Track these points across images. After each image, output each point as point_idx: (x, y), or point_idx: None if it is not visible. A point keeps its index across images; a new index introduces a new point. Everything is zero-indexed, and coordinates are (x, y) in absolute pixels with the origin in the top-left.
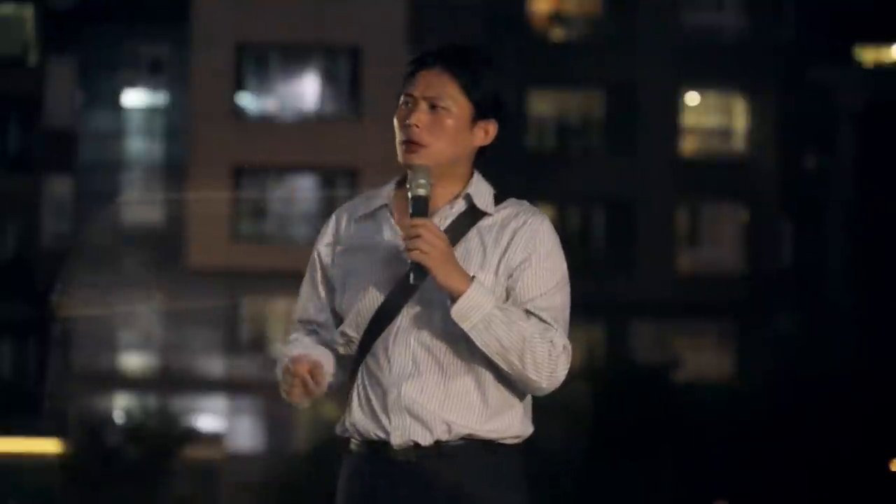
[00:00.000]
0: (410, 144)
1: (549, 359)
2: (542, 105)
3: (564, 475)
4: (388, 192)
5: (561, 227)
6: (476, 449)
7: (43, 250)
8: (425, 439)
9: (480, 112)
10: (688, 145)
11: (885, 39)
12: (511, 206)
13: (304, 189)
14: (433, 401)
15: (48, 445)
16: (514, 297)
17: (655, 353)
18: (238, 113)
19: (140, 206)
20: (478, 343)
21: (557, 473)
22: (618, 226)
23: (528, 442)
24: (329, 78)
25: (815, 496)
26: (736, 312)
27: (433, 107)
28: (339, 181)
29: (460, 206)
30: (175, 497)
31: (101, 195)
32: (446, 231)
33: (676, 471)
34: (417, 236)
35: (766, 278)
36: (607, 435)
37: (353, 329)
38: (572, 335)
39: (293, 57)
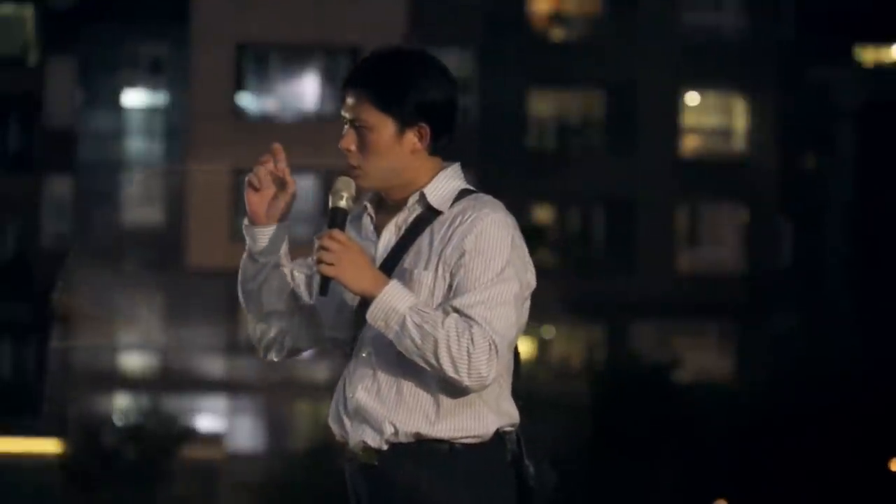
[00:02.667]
0: (349, 168)
1: (469, 357)
2: (542, 105)
3: (564, 474)
4: (371, 194)
5: (561, 227)
6: (431, 449)
7: (43, 250)
8: (374, 441)
9: (403, 122)
10: (688, 145)
11: (885, 39)
12: (464, 202)
13: (304, 189)
14: (385, 404)
15: (48, 445)
16: (452, 294)
17: (656, 352)
18: (238, 113)
19: (140, 205)
20: (397, 345)
21: (557, 472)
22: (618, 226)
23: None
24: (329, 78)
25: (815, 495)
26: (736, 312)
27: (358, 128)
28: None
29: (416, 206)
30: (175, 497)
31: (101, 195)
32: (406, 231)
33: (676, 470)
34: (324, 248)
35: (765, 278)
36: (607, 434)
37: (338, 330)
38: (573, 334)
39: (293, 57)
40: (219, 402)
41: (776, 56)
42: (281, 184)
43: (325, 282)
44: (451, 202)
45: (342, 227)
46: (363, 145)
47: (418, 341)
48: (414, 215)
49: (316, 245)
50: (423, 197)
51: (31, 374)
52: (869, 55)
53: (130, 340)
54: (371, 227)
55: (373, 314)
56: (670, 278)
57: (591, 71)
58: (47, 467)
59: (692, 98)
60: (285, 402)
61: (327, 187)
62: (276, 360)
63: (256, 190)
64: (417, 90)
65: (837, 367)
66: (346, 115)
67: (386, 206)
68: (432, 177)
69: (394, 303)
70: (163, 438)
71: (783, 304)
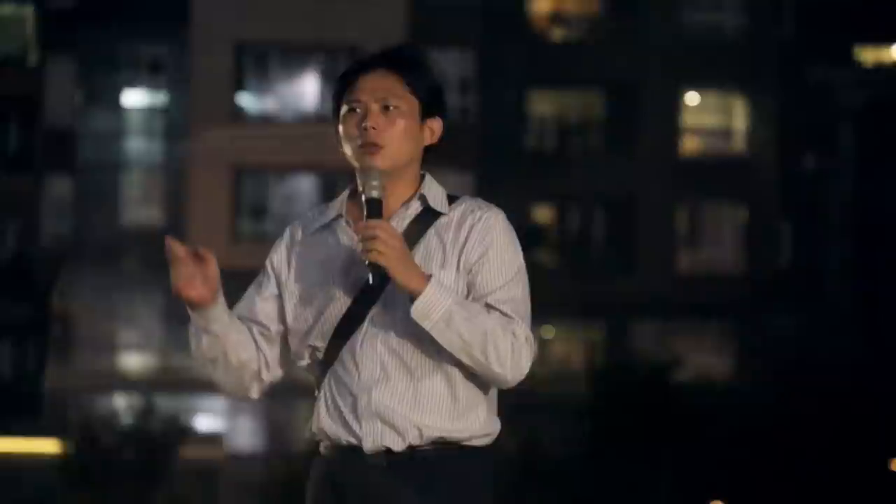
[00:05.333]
0: (369, 146)
1: (513, 351)
2: (542, 105)
3: (564, 474)
4: (341, 202)
5: (561, 227)
6: (446, 453)
7: (43, 250)
8: (397, 445)
9: (427, 109)
10: (688, 145)
11: (885, 39)
12: (465, 204)
13: (304, 189)
14: (404, 404)
15: (48, 445)
16: (475, 292)
17: (656, 352)
18: (238, 113)
19: (140, 205)
20: (440, 341)
21: (557, 473)
22: (618, 226)
23: (528, 441)
24: (329, 78)
25: (815, 495)
26: (736, 312)
27: (386, 108)
28: (339, 181)
29: (416, 207)
30: (174, 497)
31: (101, 195)
32: (404, 233)
33: (676, 470)
34: (374, 237)
35: (765, 278)
36: (607, 434)
37: (319, 338)
38: (572, 334)
39: (293, 57)
40: (219, 402)
41: (776, 56)
42: (197, 258)
43: (378, 269)
44: (447, 204)
45: (380, 216)
46: (390, 126)
47: (466, 336)
48: (409, 219)
49: (361, 234)
50: (423, 199)
51: (31, 374)
52: (869, 55)
53: (130, 340)
54: (349, 233)
55: (417, 310)
56: (670, 278)
57: (591, 71)
58: (47, 467)
59: (692, 98)
60: (285, 402)
61: (327, 187)
62: (255, 398)
63: (187, 284)
64: (439, 84)
65: (837, 367)
66: (372, 96)
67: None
68: (420, 182)
69: (441, 298)
70: (163, 438)
71: (783, 304)
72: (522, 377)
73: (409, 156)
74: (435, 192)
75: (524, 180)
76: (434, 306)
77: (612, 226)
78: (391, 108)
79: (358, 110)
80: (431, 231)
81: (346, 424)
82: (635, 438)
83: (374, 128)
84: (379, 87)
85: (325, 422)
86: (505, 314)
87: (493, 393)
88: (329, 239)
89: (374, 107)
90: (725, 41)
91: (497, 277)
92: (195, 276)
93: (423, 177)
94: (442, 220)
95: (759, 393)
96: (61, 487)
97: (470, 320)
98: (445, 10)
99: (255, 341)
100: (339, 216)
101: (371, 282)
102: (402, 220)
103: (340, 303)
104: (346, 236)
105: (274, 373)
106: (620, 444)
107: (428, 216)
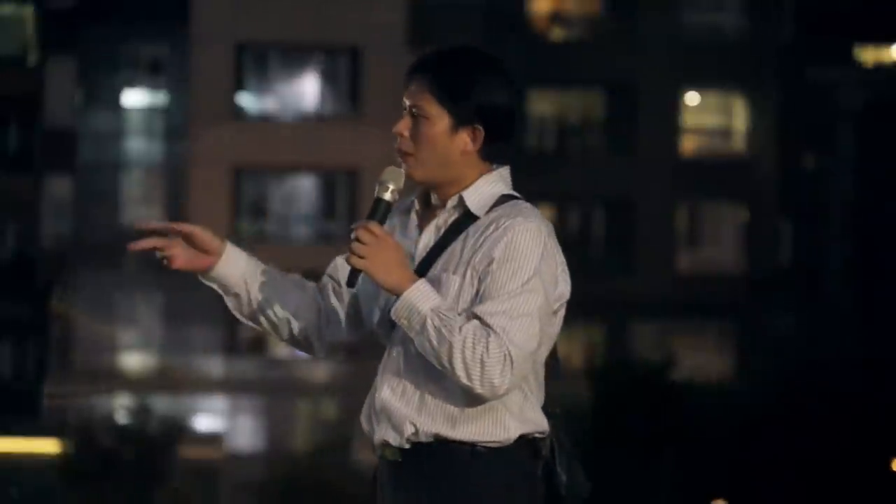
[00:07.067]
0: (400, 153)
1: (482, 366)
2: (542, 105)
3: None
4: (420, 190)
5: (561, 227)
6: (452, 450)
7: (43, 250)
8: (395, 440)
9: (459, 119)
10: (688, 145)
11: (885, 39)
12: (501, 209)
13: (304, 189)
14: (408, 405)
15: (48, 445)
16: (477, 301)
17: (655, 352)
18: (238, 113)
19: (140, 205)
20: (417, 346)
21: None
22: (618, 226)
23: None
24: (329, 78)
25: (815, 495)
26: (736, 312)
27: (415, 115)
28: (339, 181)
29: (455, 209)
30: (174, 497)
31: (101, 195)
32: (444, 234)
33: (676, 470)
34: (356, 239)
35: (765, 278)
36: (607, 434)
37: (381, 327)
38: (573, 334)
39: (293, 57)
40: (218, 402)
41: (776, 56)
42: (174, 233)
43: (354, 274)
44: (488, 207)
45: (383, 220)
46: (417, 134)
47: (435, 344)
48: (453, 218)
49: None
50: (461, 200)
51: (31, 374)
52: (869, 55)
53: (130, 340)
54: (415, 225)
55: (397, 312)
56: (670, 278)
57: (591, 71)
58: (47, 467)
59: (692, 98)
60: (285, 402)
61: (327, 187)
62: (322, 356)
63: (173, 255)
64: (479, 91)
65: (837, 367)
66: (406, 101)
67: (431, 204)
68: (471, 182)
69: (417, 303)
70: (162, 438)
71: (783, 304)
72: (497, 391)
73: (436, 163)
74: (480, 195)
75: (524, 180)
76: (410, 310)
77: (611, 226)
78: (419, 116)
79: (403, 113)
80: (463, 234)
81: (368, 418)
82: (635, 438)
83: (400, 134)
84: (413, 93)
85: (362, 415)
86: (487, 325)
87: (514, 402)
88: (400, 224)
89: (405, 113)
90: (725, 41)
91: (497, 288)
92: (178, 244)
93: (478, 176)
94: (476, 223)
95: (758, 393)
96: (61, 487)
97: (439, 329)
98: (445, 9)
99: (322, 295)
100: (413, 202)
101: (347, 284)
102: (444, 220)
103: (390, 296)
104: (410, 226)
105: (338, 332)
106: (620, 443)
107: (466, 219)
